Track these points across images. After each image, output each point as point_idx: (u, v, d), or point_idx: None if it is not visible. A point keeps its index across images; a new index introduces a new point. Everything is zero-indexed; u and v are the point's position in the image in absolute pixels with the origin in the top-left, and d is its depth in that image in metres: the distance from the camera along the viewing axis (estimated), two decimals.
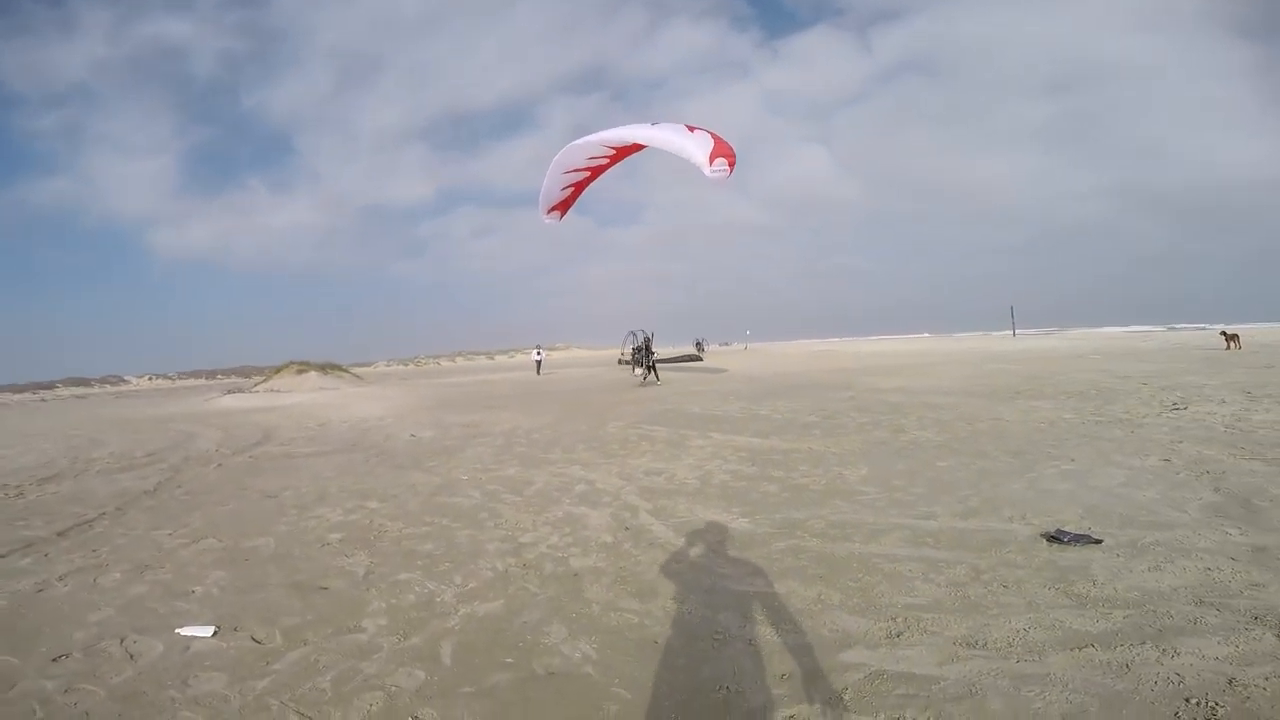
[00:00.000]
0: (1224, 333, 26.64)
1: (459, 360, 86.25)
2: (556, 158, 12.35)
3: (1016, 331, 59.20)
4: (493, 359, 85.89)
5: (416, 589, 4.14)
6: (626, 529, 5.00)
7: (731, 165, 9.50)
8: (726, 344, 64.68)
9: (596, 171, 13.10)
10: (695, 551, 4.40)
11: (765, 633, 3.20)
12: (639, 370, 20.85)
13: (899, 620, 3.24)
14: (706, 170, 9.38)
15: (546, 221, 13.06)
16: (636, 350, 21.07)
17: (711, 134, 9.96)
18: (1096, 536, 4.22)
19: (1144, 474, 5.75)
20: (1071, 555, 4.00)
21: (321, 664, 3.21)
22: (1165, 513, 4.68)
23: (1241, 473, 5.62)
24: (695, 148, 9.75)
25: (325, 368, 33.87)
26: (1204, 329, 47.88)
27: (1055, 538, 4.23)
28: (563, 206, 13.23)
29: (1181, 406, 9.55)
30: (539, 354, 36.22)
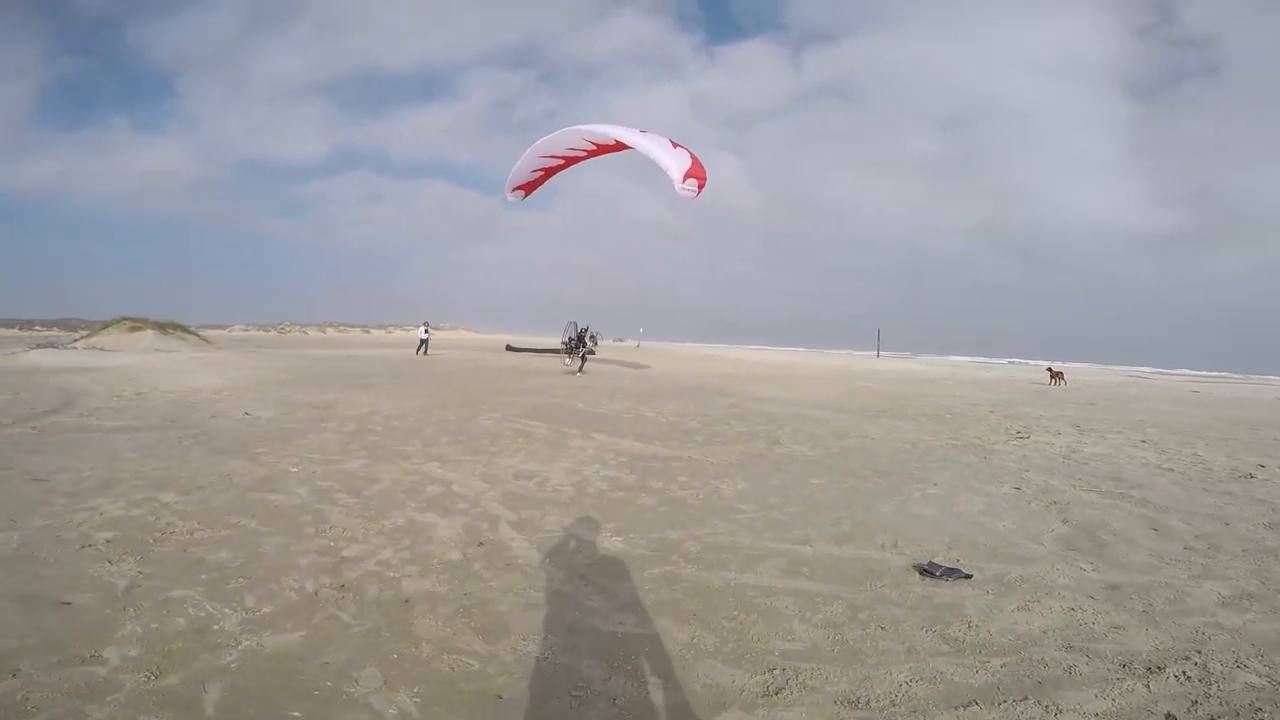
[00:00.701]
0: (1049, 369, 30.06)
1: (329, 331, 79.75)
2: (537, 142, 12.70)
3: (881, 353, 63.95)
4: (368, 333, 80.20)
5: (191, 611, 3.27)
6: (481, 544, 4.34)
7: (701, 187, 10.53)
8: (620, 340, 64.73)
9: (570, 161, 13.28)
10: (560, 576, 3.85)
11: (632, 689, 2.71)
12: (570, 359, 20.82)
13: (777, 672, 2.88)
14: (677, 186, 10.34)
15: (510, 198, 13.58)
16: (570, 340, 20.97)
17: (691, 154, 10.80)
18: (966, 571, 4.15)
19: (1000, 502, 5.94)
20: (944, 591, 3.88)
21: (31, 703, 2.41)
22: (1024, 545, 4.76)
23: (1083, 504, 5.95)
24: (672, 162, 10.61)
25: (165, 327, 29.57)
26: (1032, 364, 54.23)
27: (928, 571, 4.12)
28: (528, 187, 13.55)
29: (1025, 435, 10.33)
30: (425, 332, 32.53)
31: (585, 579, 3.80)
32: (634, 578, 3.85)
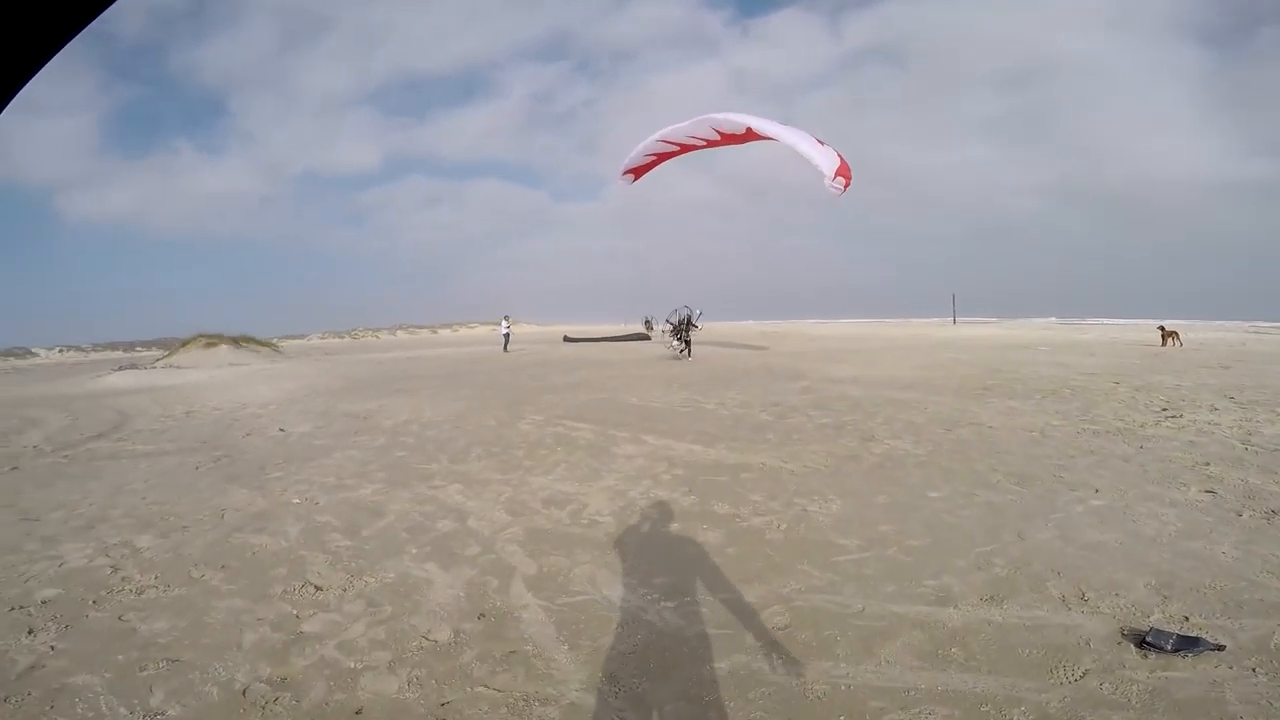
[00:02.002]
0: (1161, 328, 26.63)
1: (399, 334, 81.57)
2: (663, 130, 12.79)
3: (957, 319, 59.97)
4: (435, 333, 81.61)
5: (79, 708, 2.50)
6: (482, 615, 3.17)
7: (847, 185, 10.81)
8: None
9: (688, 148, 13.13)
10: (581, 675, 2.62)
11: None
12: (676, 343, 20.91)
13: None
14: (827, 181, 10.57)
15: (620, 182, 13.75)
16: (678, 325, 21.04)
17: (838, 153, 11.11)
18: (1212, 640, 2.69)
19: (1198, 514, 4.32)
20: (1186, 675, 2.45)
21: None
22: (1270, 583, 3.22)
23: None
24: (822, 159, 10.88)
25: (239, 341, 30.38)
26: (1124, 323, 49.32)
27: (1152, 643, 2.68)
28: (639, 171, 13.60)
29: (1176, 414, 8.39)
30: (506, 327, 29.39)
31: (616, 681, 2.56)
32: (689, 674, 2.58)
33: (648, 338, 37.12)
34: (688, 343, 20.70)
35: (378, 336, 76.66)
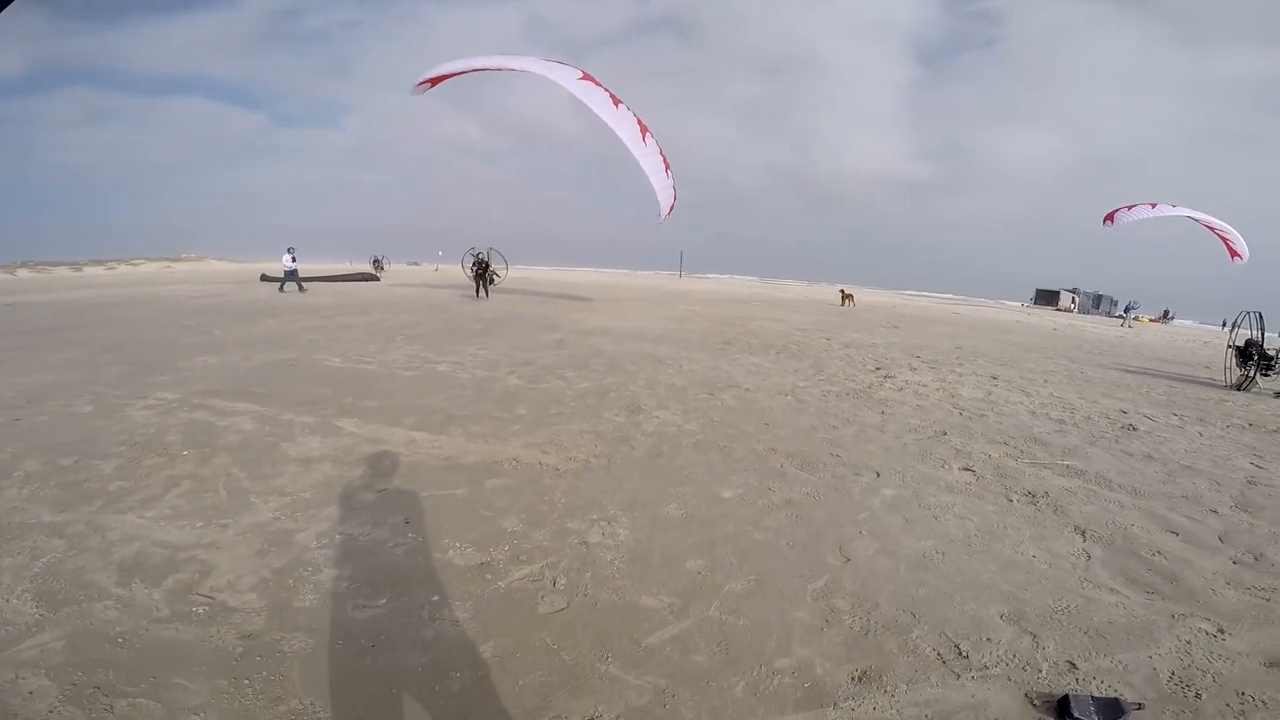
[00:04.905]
0: (842, 291, 31.83)
1: (20, 273, 59.12)
2: (497, 57, 12.08)
3: (683, 273, 65.28)
4: (78, 270, 60.49)
5: None
6: None
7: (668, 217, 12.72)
8: (415, 263, 57.03)
9: (507, 70, 12.06)
10: None
11: None
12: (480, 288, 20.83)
13: None
14: (662, 215, 12.32)
15: (414, 91, 12.63)
16: (475, 268, 21.10)
17: (673, 184, 12.38)
18: (1126, 699, 2.16)
19: (977, 501, 4.15)
20: None
21: None
22: (1100, 598, 2.93)
23: (1058, 493, 4.41)
24: (662, 195, 12.08)
25: None
26: (813, 286, 59.00)
27: (1078, 718, 2.04)
28: (436, 80, 12.43)
29: (888, 374, 9.18)
30: (292, 261, 21.64)
31: None
32: None
33: (376, 278, 32.08)
34: (487, 283, 20.67)
35: None
